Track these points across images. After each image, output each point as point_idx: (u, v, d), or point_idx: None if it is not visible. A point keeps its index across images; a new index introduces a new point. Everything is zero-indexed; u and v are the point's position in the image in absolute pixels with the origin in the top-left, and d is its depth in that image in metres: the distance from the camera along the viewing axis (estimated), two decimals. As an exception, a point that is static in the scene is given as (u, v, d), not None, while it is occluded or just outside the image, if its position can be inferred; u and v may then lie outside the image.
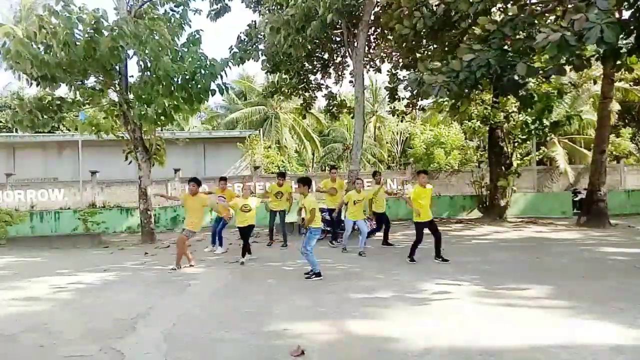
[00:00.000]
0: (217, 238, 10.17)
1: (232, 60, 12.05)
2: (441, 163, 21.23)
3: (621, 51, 7.92)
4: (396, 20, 10.43)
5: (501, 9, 10.23)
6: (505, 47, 7.89)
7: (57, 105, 11.81)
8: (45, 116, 11.67)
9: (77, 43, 10.14)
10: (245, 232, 8.54)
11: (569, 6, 7.38)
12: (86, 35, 10.19)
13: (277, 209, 10.60)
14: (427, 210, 8.00)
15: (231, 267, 8.39)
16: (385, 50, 16.08)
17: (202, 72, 11.26)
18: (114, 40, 10.14)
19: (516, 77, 8.15)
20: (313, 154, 33.20)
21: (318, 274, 6.88)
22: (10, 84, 32.29)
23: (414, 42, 11.67)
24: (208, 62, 11.30)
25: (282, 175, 10.80)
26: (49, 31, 10.12)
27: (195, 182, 8.38)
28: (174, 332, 4.67)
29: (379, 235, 10.63)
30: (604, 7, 6.28)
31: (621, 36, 7.47)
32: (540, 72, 8.38)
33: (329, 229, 11.43)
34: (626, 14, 7.87)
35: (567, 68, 8.33)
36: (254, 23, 14.96)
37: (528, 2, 9.17)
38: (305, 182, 7.06)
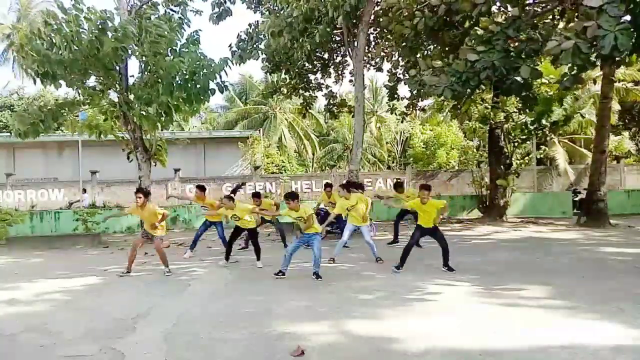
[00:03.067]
0: (222, 243, 9.47)
1: (231, 60, 12.05)
2: (441, 162, 21.23)
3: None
4: (397, 22, 10.42)
5: (502, 10, 10.23)
6: (509, 48, 7.87)
7: (57, 111, 11.80)
8: (46, 122, 11.66)
9: (82, 42, 10.16)
10: (238, 234, 8.36)
11: (570, 6, 7.37)
12: (91, 35, 10.22)
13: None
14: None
15: (231, 267, 8.39)
16: (385, 50, 16.08)
17: (202, 71, 11.26)
18: (117, 41, 10.16)
19: (519, 80, 8.13)
20: (313, 154, 33.19)
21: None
22: (10, 84, 32.33)
23: (414, 42, 11.67)
24: (207, 62, 11.31)
25: (256, 195, 9.74)
26: (54, 27, 10.14)
27: (142, 193, 7.83)
28: (174, 332, 4.67)
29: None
30: (615, 14, 6.23)
31: None
32: (556, 81, 8.37)
33: (329, 228, 11.39)
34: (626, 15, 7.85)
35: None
36: (255, 23, 14.95)
37: (530, 1, 9.17)
38: (292, 197, 6.95)
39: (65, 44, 9.99)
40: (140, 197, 7.70)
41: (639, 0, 6.84)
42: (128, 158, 12.95)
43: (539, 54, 7.90)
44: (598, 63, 8.24)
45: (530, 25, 8.20)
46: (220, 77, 11.54)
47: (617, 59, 8.22)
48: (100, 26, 10.21)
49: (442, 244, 7.33)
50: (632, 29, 6.84)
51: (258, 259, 8.20)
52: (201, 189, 9.70)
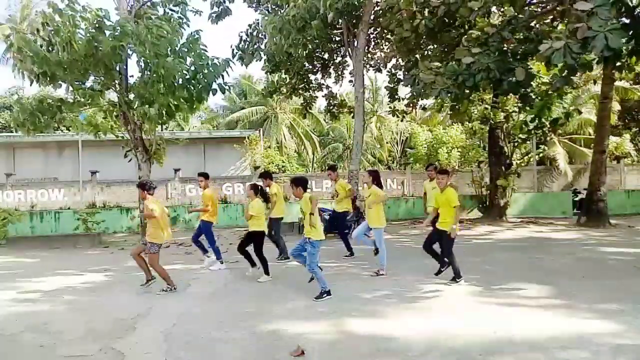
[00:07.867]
0: (205, 245, 8.56)
1: (233, 61, 12.05)
2: (442, 163, 21.16)
3: (622, 53, 7.91)
4: (396, 23, 10.41)
5: (500, 11, 10.25)
6: (505, 50, 7.88)
7: (57, 107, 11.82)
8: (46, 117, 11.67)
9: (79, 42, 10.15)
10: (254, 239, 7.21)
11: (570, 7, 7.36)
12: (88, 35, 10.22)
13: (276, 216, 8.70)
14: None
15: (231, 267, 8.39)
16: (385, 50, 16.09)
17: (205, 71, 11.26)
18: (116, 40, 10.16)
19: (515, 81, 8.12)
20: (313, 154, 33.19)
21: (328, 292, 5.85)
22: (13, 88, 32.32)
23: (413, 43, 11.66)
24: (210, 62, 11.31)
25: (267, 175, 8.84)
26: (52, 28, 10.14)
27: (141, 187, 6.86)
28: (174, 332, 4.67)
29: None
30: (605, 17, 6.26)
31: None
32: (546, 82, 8.37)
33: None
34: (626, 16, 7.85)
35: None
36: (255, 22, 14.99)
37: (527, 2, 9.16)
38: (297, 182, 5.96)
39: (64, 44, 9.99)
40: (141, 190, 6.65)
41: (633, 4, 6.86)
42: (126, 156, 12.92)
43: (534, 55, 7.90)
44: (595, 65, 8.24)
45: (525, 26, 8.20)
46: (223, 77, 11.54)
47: (617, 64, 8.23)
48: (97, 25, 10.21)
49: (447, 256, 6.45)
50: (626, 30, 6.86)
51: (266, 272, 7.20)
52: (206, 177, 8.68)
